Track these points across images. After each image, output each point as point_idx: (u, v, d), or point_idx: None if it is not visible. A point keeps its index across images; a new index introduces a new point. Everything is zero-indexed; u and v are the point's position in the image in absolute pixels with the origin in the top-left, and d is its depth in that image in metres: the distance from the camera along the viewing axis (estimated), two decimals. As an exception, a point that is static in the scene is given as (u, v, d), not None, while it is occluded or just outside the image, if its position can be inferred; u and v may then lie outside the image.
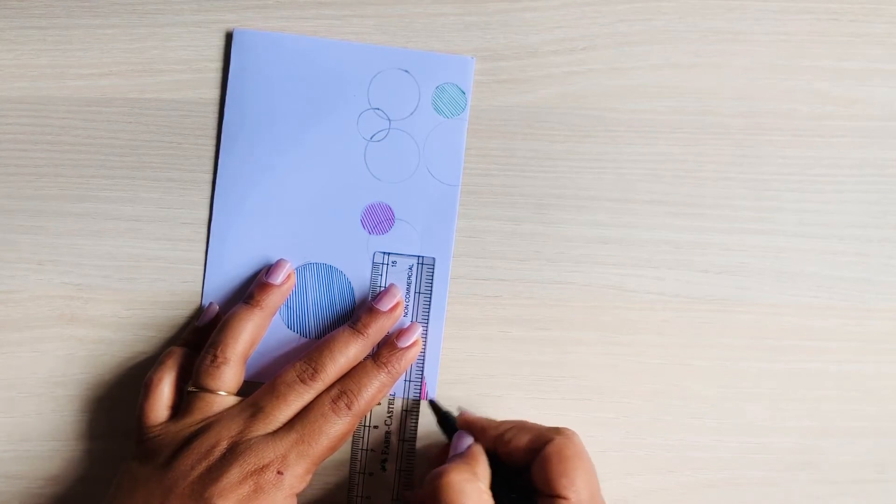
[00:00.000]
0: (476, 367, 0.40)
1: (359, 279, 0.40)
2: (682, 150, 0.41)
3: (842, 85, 0.41)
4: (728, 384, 0.40)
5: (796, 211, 0.41)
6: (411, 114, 0.40)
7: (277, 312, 0.40)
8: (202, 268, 0.40)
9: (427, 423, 0.39)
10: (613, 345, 0.40)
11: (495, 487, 0.33)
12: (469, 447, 0.35)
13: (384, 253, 0.40)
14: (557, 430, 0.34)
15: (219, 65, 0.41)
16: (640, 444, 0.40)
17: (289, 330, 0.40)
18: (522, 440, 0.34)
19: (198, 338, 0.39)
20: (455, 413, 0.38)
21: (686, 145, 0.41)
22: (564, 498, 0.32)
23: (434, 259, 0.40)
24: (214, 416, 0.35)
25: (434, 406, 0.39)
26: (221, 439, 0.34)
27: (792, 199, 0.41)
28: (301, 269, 0.40)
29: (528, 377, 0.40)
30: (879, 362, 0.40)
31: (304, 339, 0.40)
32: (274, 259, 0.40)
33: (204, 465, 0.34)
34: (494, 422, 0.36)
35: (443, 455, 0.37)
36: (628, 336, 0.40)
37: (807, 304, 0.40)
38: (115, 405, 0.40)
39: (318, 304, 0.40)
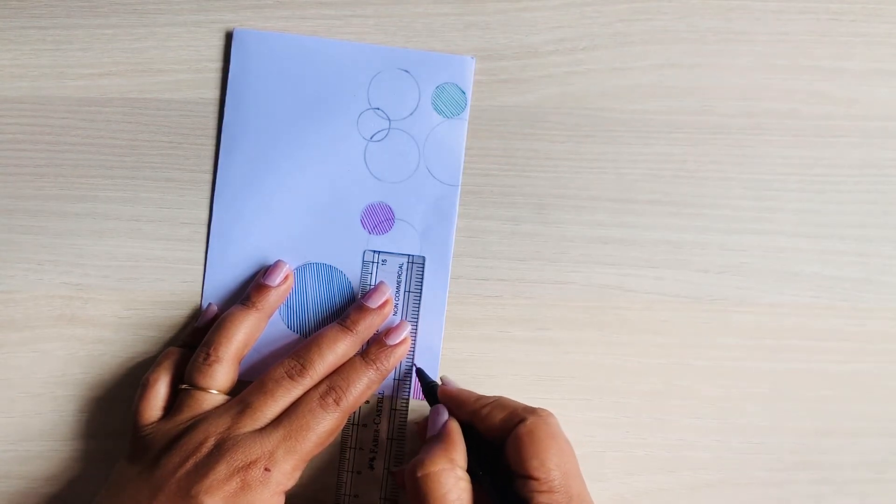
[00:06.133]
0: (476, 367, 0.40)
1: (359, 279, 0.40)
2: (682, 150, 0.41)
3: (842, 85, 0.41)
4: (728, 384, 0.40)
5: (796, 211, 0.41)
6: (411, 114, 0.40)
7: (277, 312, 0.40)
8: (202, 268, 0.40)
9: (415, 421, 0.39)
10: (613, 345, 0.40)
11: (473, 466, 0.34)
12: (444, 427, 0.35)
13: (374, 251, 0.40)
14: (532, 410, 0.34)
15: (219, 65, 0.41)
16: (640, 444, 0.40)
17: (288, 330, 0.40)
18: (496, 418, 0.34)
19: (197, 339, 0.39)
20: (439, 383, 0.38)
21: (686, 145, 0.41)
22: (535, 479, 0.32)
23: (424, 258, 0.40)
24: (203, 413, 0.36)
25: (420, 374, 0.39)
26: (209, 436, 0.34)
27: (792, 199, 0.41)
28: (301, 269, 0.40)
29: (528, 377, 0.40)
30: (879, 362, 0.40)
31: (303, 340, 0.40)
32: (273, 259, 0.40)
33: (191, 462, 0.34)
34: (473, 395, 0.36)
35: (425, 426, 0.37)
36: (628, 336, 0.40)
37: (807, 304, 0.40)
38: (114, 405, 0.40)
39: (317, 304, 0.40)
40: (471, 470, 0.34)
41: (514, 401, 0.35)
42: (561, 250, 0.40)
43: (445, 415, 0.36)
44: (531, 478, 0.32)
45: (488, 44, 0.41)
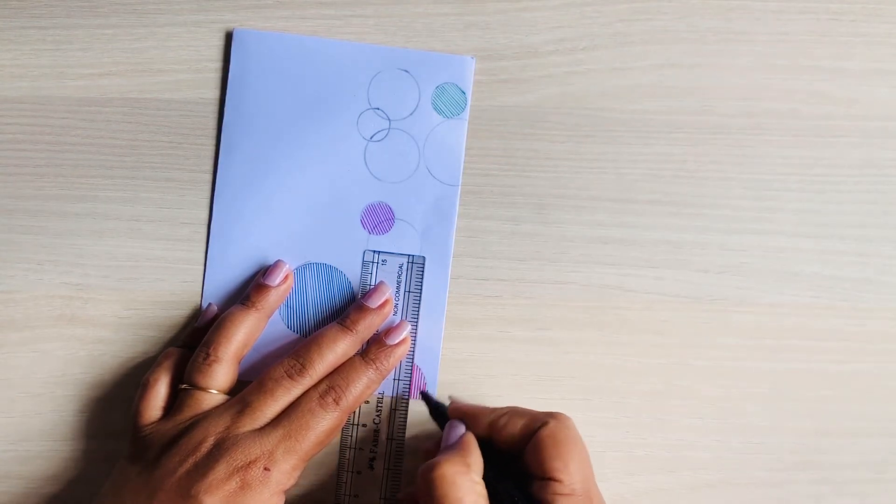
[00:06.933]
0: (476, 367, 0.40)
1: (359, 279, 0.40)
2: (682, 150, 0.41)
3: (842, 85, 0.41)
4: (728, 384, 0.40)
5: (796, 211, 0.41)
6: (411, 114, 0.40)
7: (277, 312, 0.40)
8: (202, 268, 0.40)
9: (415, 422, 0.39)
10: (613, 345, 0.40)
11: (489, 476, 0.33)
12: (461, 437, 0.35)
13: (374, 251, 0.40)
14: (551, 415, 0.34)
15: (219, 65, 0.41)
16: (640, 444, 0.40)
17: (288, 330, 0.40)
18: (516, 425, 0.34)
19: (197, 339, 0.39)
20: (447, 403, 0.38)
21: (686, 145, 0.41)
22: (558, 481, 0.32)
23: (424, 258, 0.40)
24: (203, 413, 0.36)
25: (426, 397, 0.38)
26: (208, 436, 0.34)
27: (792, 199, 0.41)
28: (301, 269, 0.40)
29: (528, 377, 0.40)
30: (879, 362, 0.40)
31: (303, 339, 0.40)
32: (273, 259, 0.40)
33: (191, 461, 0.34)
34: (487, 408, 0.36)
35: (436, 449, 0.36)
36: (628, 336, 0.40)
37: (807, 304, 0.40)
38: (114, 405, 0.40)
39: (317, 304, 0.40)
40: (487, 480, 0.33)
41: (528, 408, 0.35)
42: (561, 250, 0.40)
43: (462, 428, 0.35)
44: (554, 479, 0.32)
45: (488, 44, 0.41)
